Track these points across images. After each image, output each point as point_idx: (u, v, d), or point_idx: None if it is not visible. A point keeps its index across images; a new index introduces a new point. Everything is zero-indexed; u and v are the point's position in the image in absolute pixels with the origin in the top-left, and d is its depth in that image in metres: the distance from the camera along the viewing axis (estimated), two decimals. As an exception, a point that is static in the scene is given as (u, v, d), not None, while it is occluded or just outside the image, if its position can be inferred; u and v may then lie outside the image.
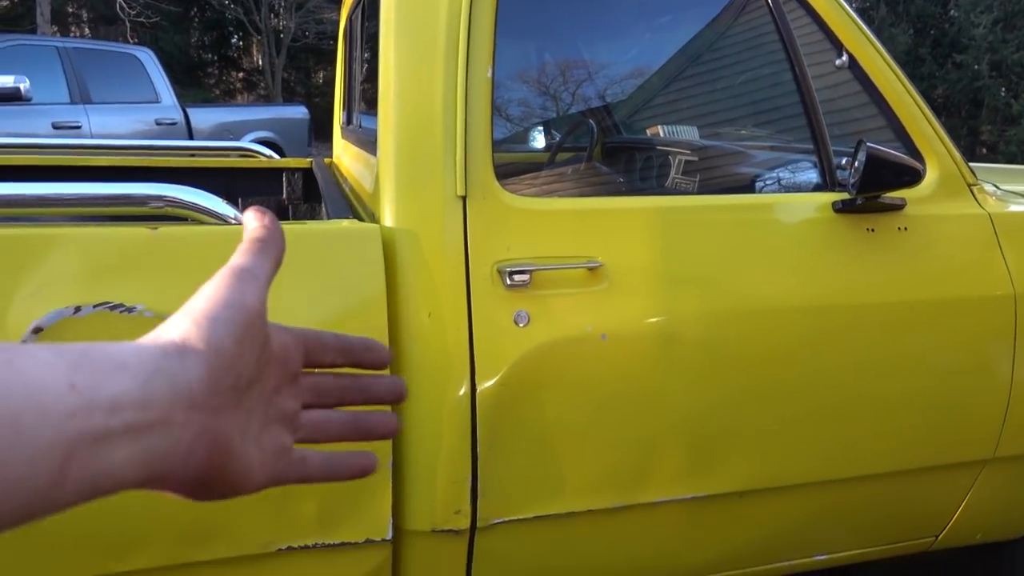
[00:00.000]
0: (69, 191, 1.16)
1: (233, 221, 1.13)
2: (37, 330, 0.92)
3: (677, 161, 1.63)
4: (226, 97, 15.76)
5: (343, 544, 1.08)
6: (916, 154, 1.37)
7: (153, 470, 0.30)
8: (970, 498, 1.49)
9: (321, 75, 16.09)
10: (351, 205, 1.48)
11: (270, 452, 0.36)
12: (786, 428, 1.27)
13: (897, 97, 1.36)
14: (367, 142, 1.49)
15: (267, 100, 13.93)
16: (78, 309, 0.93)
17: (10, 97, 5.10)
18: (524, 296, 1.13)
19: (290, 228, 1.05)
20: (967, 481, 1.47)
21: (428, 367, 1.09)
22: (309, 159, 2.32)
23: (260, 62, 15.49)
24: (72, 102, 5.87)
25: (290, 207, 2.35)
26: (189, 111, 6.67)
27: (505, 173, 1.21)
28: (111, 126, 5.90)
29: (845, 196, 1.29)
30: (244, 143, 2.56)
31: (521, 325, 1.13)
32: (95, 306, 0.94)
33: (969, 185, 1.40)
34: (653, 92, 1.74)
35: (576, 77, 1.67)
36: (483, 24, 1.15)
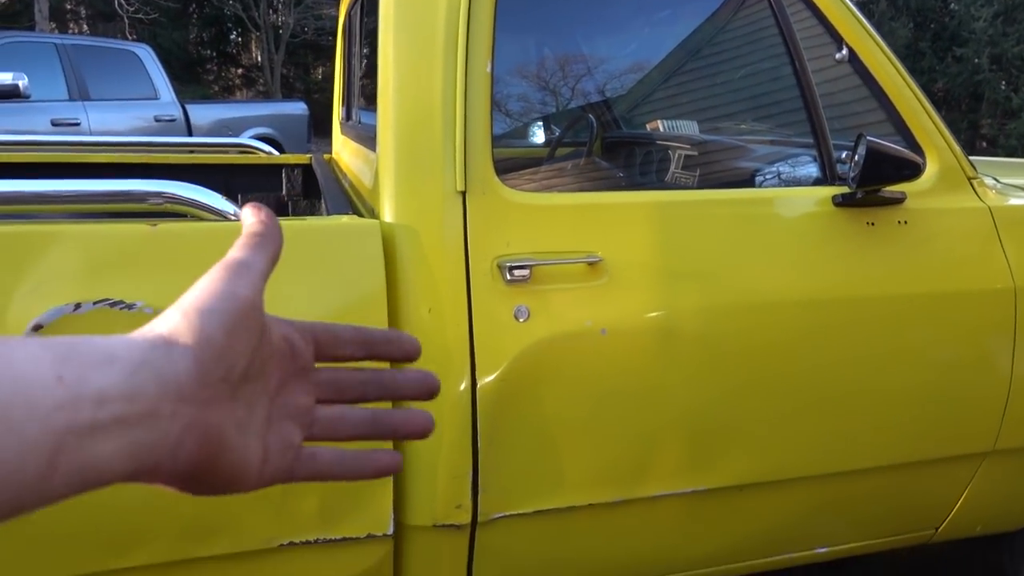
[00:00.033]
0: (68, 188, 1.16)
1: (232, 217, 1.13)
2: (37, 327, 0.92)
3: (677, 156, 1.63)
4: (225, 93, 15.75)
5: (344, 539, 1.09)
6: (916, 148, 1.37)
7: (141, 463, 0.30)
8: (970, 490, 1.49)
9: (320, 71, 16.07)
10: (351, 201, 1.48)
11: (274, 447, 0.36)
12: (786, 422, 1.27)
13: (897, 91, 1.36)
14: (366, 138, 1.49)
15: (266, 96, 13.91)
16: (78, 306, 0.94)
17: (9, 94, 5.09)
18: (524, 291, 1.13)
19: (290, 224, 1.05)
20: (967, 474, 1.47)
21: (428, 363, 1.09)
22: (308, 155, 2.31)
23: (259, 58, 15.47)
24: (71, 99, 5.86)
25: (289, 203, 2.35)
26: (188, 108, 6.67)
27: (505, 168, 1.21)
28: (110, 123, 5.90)
29: (845, 190, 1.29)
30: (243, 139, 2.56)
31: (521, 320, 1.13)
32: (95, 303, 0.94)
33: (969, 179, 1.40)
34: (653, 87, 1.73)
35: (575, 72, 1.66)
36: (482, 19, 1.15)
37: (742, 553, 1.39)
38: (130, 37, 11.85)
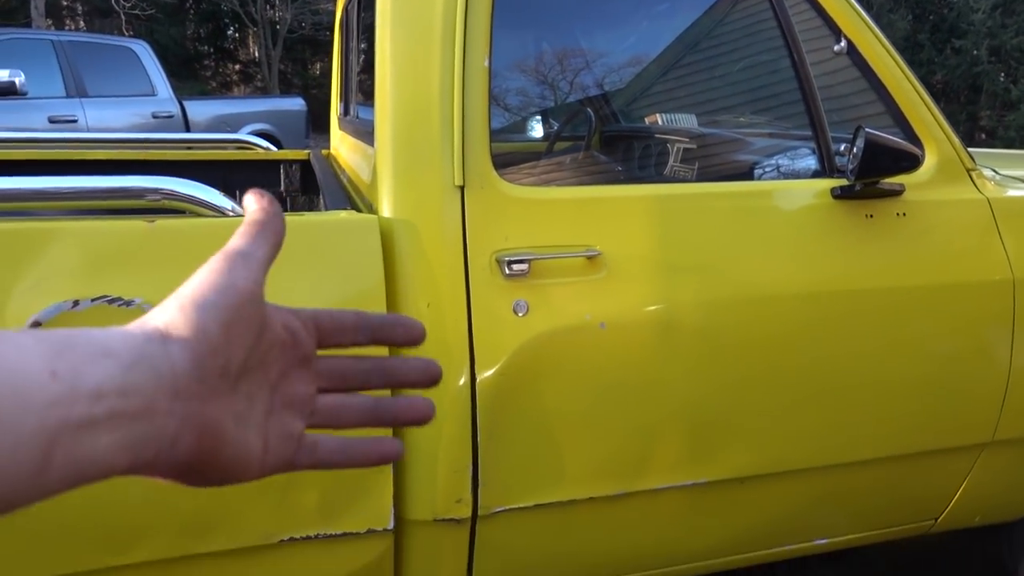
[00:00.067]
0: (66, 185, 1.16)
1: (231, 213, 1.13)
2: (36, 324, 0.92)
3: (675, 149, 1.63)
4: (223, 89, 15.72)
5: (345, 534, 1.09)
6: (915, 140, 1.37)
7: (139, 457, 0.29)
8: (969, 481, 1.49)
9: (318, 66, 16.04)
10: (349, 196, 1.48)
11: (275, 438, 0.35)
12: (786, 414, 1.28)
13: (896, 83, 1.35)
14: (364, 133, 1.48)
15: (264, 92, 13.88)
16: (76, 303, 0.93)
17: (5, 91, 5.08)
18: (523, 285, 1.13)
19: (288, 220, 1.04)
20: (966, 465, 1.47)
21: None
22: (307, 151, 2.31)
23: (256, 54, 15.44)
24: (68, 96, 5.85)
25: (288, 199, 2.34)
26: (185, 104, 6.66)
27: (503, 162, 1.20)
28: (107, 120, 5.89)
29: (844, 182, 1.29)
30: (241, 135, 2.55)
31: (520, 314, 1.13)
32: (93, 300, 0.94)
33: (968, 170, 1.40)
34: (651, 80, 1.73)
35: (574, 65, 1.66)
36: (479, 13, 1.14)
37: (742, 545, 1.40)
38: (127, 33, 11.81)
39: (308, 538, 1.07)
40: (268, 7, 14.08)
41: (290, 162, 2.31)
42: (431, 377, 0.41)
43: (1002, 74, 10.10)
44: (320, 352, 0.39)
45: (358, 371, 0.40)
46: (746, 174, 1.50)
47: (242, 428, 0.33)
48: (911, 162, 1.25)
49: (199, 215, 1.14)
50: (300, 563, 1.10)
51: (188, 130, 6.47)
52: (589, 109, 1.86)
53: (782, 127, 1.54)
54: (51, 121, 5.59)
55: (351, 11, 2.14)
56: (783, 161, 1.44)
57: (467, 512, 1.15)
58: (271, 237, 0.36)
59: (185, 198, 1.14)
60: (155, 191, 1.14)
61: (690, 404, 1.22)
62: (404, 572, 1.20)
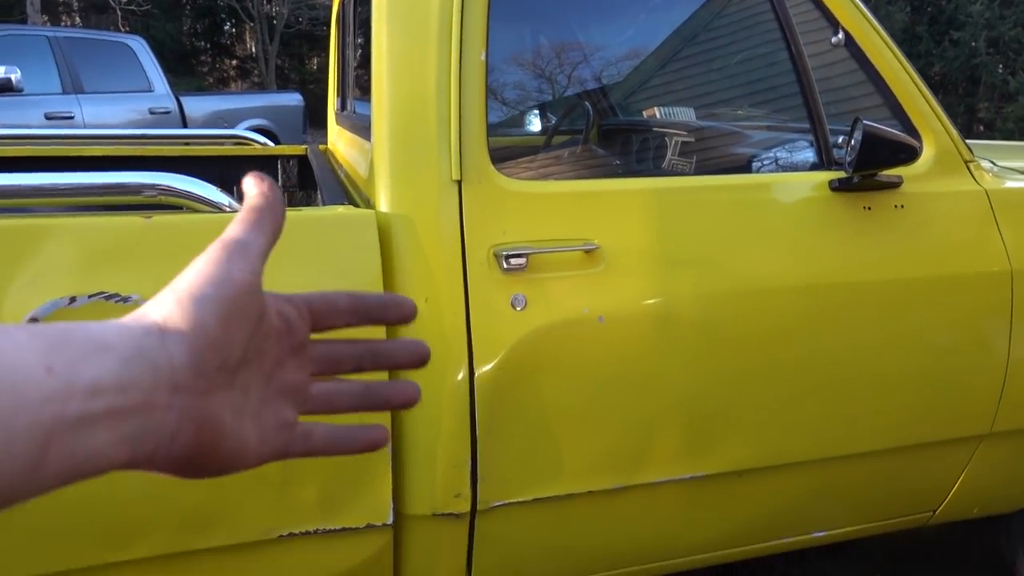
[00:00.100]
0: (63, 181, 1.16)
1: (227, 209, 1.13)
2: (33, 321, 0.92)
3: (673, 142, 1.62)
4: (220, 85, 15.68)
5: (344, 529, 1.09)
6: (913, 132, 1.36)
7: (137, 452, 0.29)
8: (967, 473, 1.50)
9: (315, 62, 15.99)
10: (346, 191, 1.48)
11: (270, 427, 0.35)
12: (784, 407, 1.28)
13: (894, 75, 1.35)
14: (361, 128, 1.48)
15: (261, 87, 13.85)
16: (73, 299, 0.93)
17: (1, 88, 5.06)
18: (521, 280, 1.13)
19: (286, 215, 1.04)
20: (964, 456, 1.48)
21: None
22: (304, 146, 2.31)
23: (253, 49, 15.39)
24: (64, 92, 5.83)
25: (285, 194, 2.34)
26: (182, 99, 6.64)
27: (501, 157, 1.20)
28: (104, 116, 5.88)
29: (842, 175, 1.29)
30: (238, 131, 2.55)
31: (518, 309, 1.13)
32: (90, 296, 0.94)
33: (966, 162, 1.40)
34: (649, 73, 1.73)
35: (571, 59, 1.66)
36: (476, 6, 1.14)
37: (740, 538, 1.40)
38: (123, 29, 11.78)
39: (307, 533, 1.07)
40: (265, 2, 14.04)
41: (287, 157, 2.31)
42: (420, 358, 0.41)
43: (1000, 66, 10.09)
44: (312, 336, 0.39)
45: (350, 355, 0.40)
46: (744, 167, 1.50)
47: (239, 420, 0.33)
48: (909, 154, 1.24)
49: (196, 211, 1.14)
50: (299, 558, 1.10)
51: (185, 126, 6.46)
52: (587, 103, 1.86)
53: (780, 120, 1.54)
54: (47, 117, 5.57)
55: (348, 6, 2.14)
56: (781, 154, 1.44)
57: (466, 507, 1.15)
58: (270, 225, 0.35)
59: (182, 194, 1.14)
60: (152, 187, 1.14)
61: (688, 397, 1.22)
62: (403, 567, 1.20)
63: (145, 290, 0.96)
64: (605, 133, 1.93)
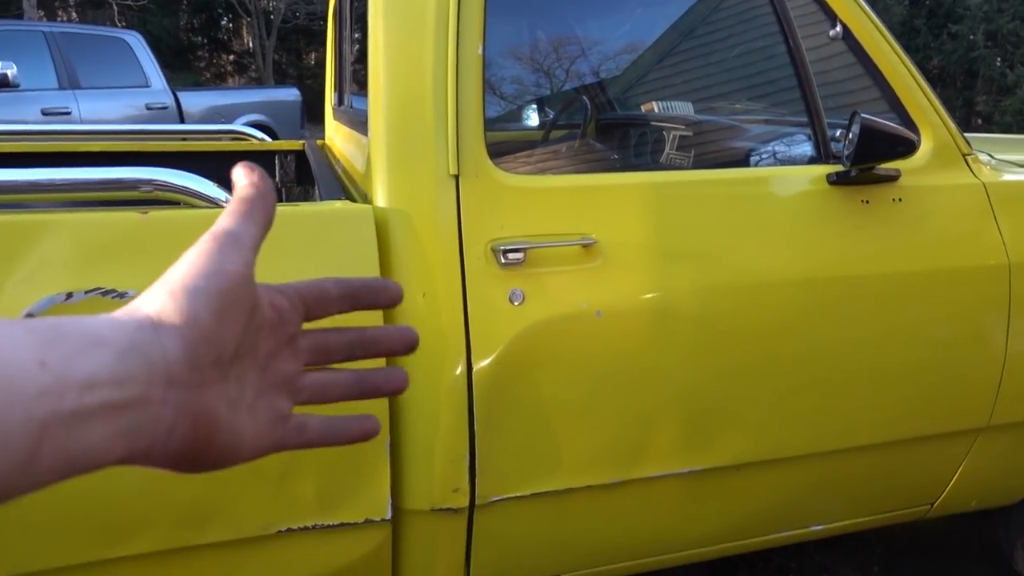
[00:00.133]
0: (59, 177, 1.15)
1: (224, 204, 1.12)
2: (29, 317, 0.91)
3: (671, 136, 1.62)
4: (217, 80, 15.64)
5: (342, 525, 1.09)
6: (911, 125, 1.36)
7: (133, 447, 0.29)
8: (965, 466, 1.50)
9: (313, 56, 15.95)
10: (343, 186, 1.47)
11: (265, 420, 0.35)
12: (782, 401, 1.28)
13: (891, 68, 1.35)
14: (358, 123, 1.48)
15: (258, 82, 13.82)
16: (70, 295, 0.93)
17: (-2, 84, 5.05)
18: (518, 274, 1.13)
19: (283, 210, 1.04)
20: (962, 450, 1.48)
21: (424, 347, 1.09)
22: (301, 141, 2.30)
23: (250, 44, 15.35)
24: (61, 88, 5.82)
25: (283, 190, 2.33)
26: (180, 95, 6.62)
27: (498, 151, 1.20)
28: (101, 111, 5.86)
29: (839, 168, 1.29)
30: (236, 126, 2.54)
31: (516, 303, 1.12)
32: (87, 292, 0.94)
33: (964, 155, 1.40)
34: (647, 67, 1.72)
35: (569, 53, 1.65)
36: (472, 1, 1.13)
37: (739, 532, 1.40)
38: (119, 24, 11.74)
39: (306, 528, 1.07)
40: (262, -3, 13.99)
41: (285, 153, 2.30)
42: (409, 343, 0.41)
43: (998, 59, 10.08)
44: (304, 325, 0.39)
45: (342, 344, 0.40)
46: (742, 161, 1.49)
47: (234, 413, 0.33)
48: (907, 147, 1.24)
49: (193, 206, 1.13)
50: (298, 554, 1.10)
51: (182, 121, 6.45)
52: (584, 97, 1.86)
53: (778, 113, 1.54)
54: (44, 113, 5.56)
55: (345, 0, 2.13)
56: (779, 147, 1.44)
57: (464, 501, 1.15)
58: (261, 216, 0.35)
59: (179, 189, 1.14)
60: (148, 182, 1.14)
61: (687, 392, 1.22)
62: (402, 562, 1.20)
63: (142, 286, 0.96)
64: (603, 127, 1.93)
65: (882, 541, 2.01)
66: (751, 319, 1.23)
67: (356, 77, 2.20)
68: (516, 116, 1.89)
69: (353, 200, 1.23)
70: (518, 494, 1.18)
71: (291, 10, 13.86)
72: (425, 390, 1.10)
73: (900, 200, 1.32)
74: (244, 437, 0.34)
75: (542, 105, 1.95)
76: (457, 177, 1.12)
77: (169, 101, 6.45)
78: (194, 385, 0.31)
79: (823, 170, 1.30)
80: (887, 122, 1.22)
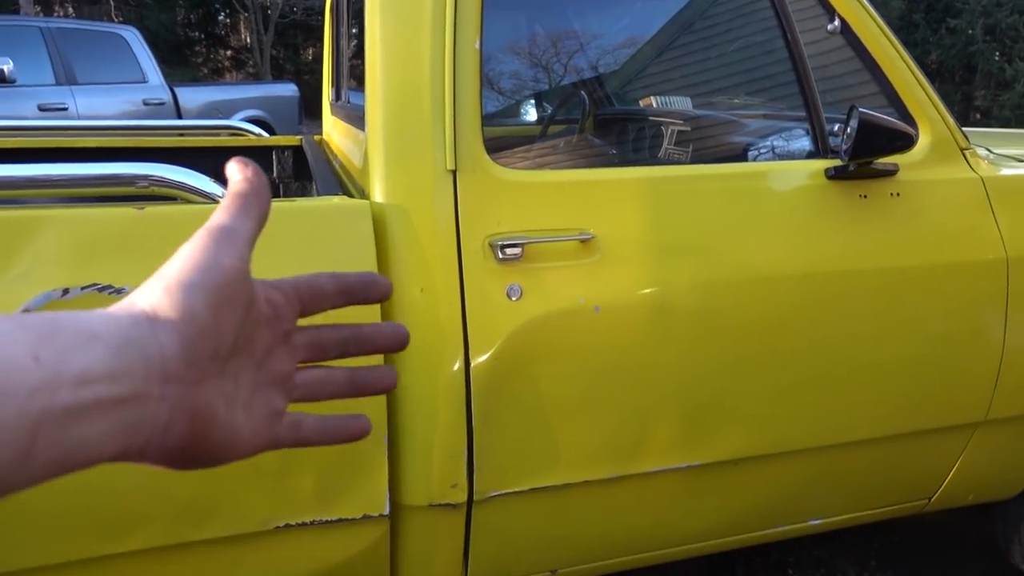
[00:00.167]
0: (56, 172, 1.15)
1: (221, 199, 1.12)
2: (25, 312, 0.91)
3: (670, 131, 1.62)
4: (214, 76, 15.60)
5: (340, 520, 1.09)
6: (909, 119, 1.36)
7: (129, 443, 0.29)
8: (963, 460, 1.50)
9: (310, 52, 15.91)
10: (341, 182, 1.47)
11: (261, 417, 0.35)
12: (780, 395, 1.28)
13: (890, 62, 1.35)
14: (356, 118, 1.47)
15: (256, 78, 13.78)
16: (66, 291, 0.93)
17: (-6, 79, 5.03)
18: (516, 270, 1.13)
19: (280, 206, 1.04)
20: (960, 444, 1.48)
21: (422, 342, 1.09)
22: (299, 137, 2.30)
23: (248, 40, 15.30)
24: (58, 83, 5.80)
25: (280, 185, 2.33)
26: (177, 90, 6.60)
27: (496, 146, 1.20)
28: (98, 107, 5.84)
29: (837, 163, 1.29)
30: (233, 122, 2.54)
31: (514, 299, 1.12)
32: (83, 288, 0.93)
33: (962, 149, 1.40)
34: (645, 62, 1.72)
35: (567, 48, 1.65)
36: (470, -6, 1.13)
37: (737, 527, 1.40)
38: (116, 19, 11.71)
39: (304, 524, 1.07)
40: (259, -8, 13.95)
41: (282, 148, 2.30)
42: (400, 340, 0.41)
43: (997, 53, 10.06)
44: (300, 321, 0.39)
45: (336, 341, 0.39)
46: (740, 155, 1.49)
47: (231, 409, 0.33)
48: (905, 142, 1.24)
49: (189, 202, 1.13)
50: (296, 549, 1.10)
51: (179, 117, 6.43)
52: (583, 92, 1.85)
53: (776, 108, 1.54)
54: (41, 109, 5.54)
55: (341, -6, 2.12)
56: (777, 142, 1.44)
57: (462, 497, 1.15)
58: (256, 210, 0.35)
59: (175, 184, 1.13)
60: (145, 178, 1.13)
61: (685, 387, 1.22)
62: (400, 557, 1.20)
63: (138, 281, 0.95)
64: (601, 122, 1.93)
65: (880, 535, 2.01)
66: (749, 314, 1.23)
67: (353, 72, 2.19)
68: (514, 111, 1.89)
69: (350, 195, 1.23)
70: (516, 489, 1.18)
71: (288, 5, 13.82)
72: (423, 386, 1.10)
73: (898, 195, 1.32)
74: (240, 434, 0.33)
75: (540, 100, 1.95)
76: (454, 172, 1.12)
77: (166, 97, 6.43)
78: (190, 381, 0.31)
79: (821, 165, 1.30)
80: (885, 116, 1.22)
